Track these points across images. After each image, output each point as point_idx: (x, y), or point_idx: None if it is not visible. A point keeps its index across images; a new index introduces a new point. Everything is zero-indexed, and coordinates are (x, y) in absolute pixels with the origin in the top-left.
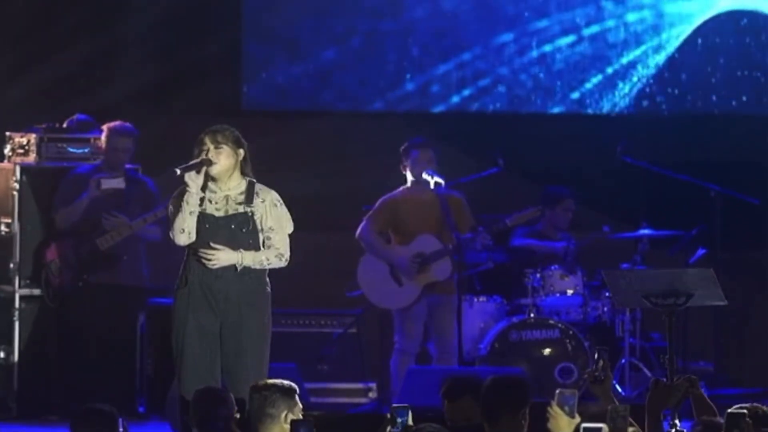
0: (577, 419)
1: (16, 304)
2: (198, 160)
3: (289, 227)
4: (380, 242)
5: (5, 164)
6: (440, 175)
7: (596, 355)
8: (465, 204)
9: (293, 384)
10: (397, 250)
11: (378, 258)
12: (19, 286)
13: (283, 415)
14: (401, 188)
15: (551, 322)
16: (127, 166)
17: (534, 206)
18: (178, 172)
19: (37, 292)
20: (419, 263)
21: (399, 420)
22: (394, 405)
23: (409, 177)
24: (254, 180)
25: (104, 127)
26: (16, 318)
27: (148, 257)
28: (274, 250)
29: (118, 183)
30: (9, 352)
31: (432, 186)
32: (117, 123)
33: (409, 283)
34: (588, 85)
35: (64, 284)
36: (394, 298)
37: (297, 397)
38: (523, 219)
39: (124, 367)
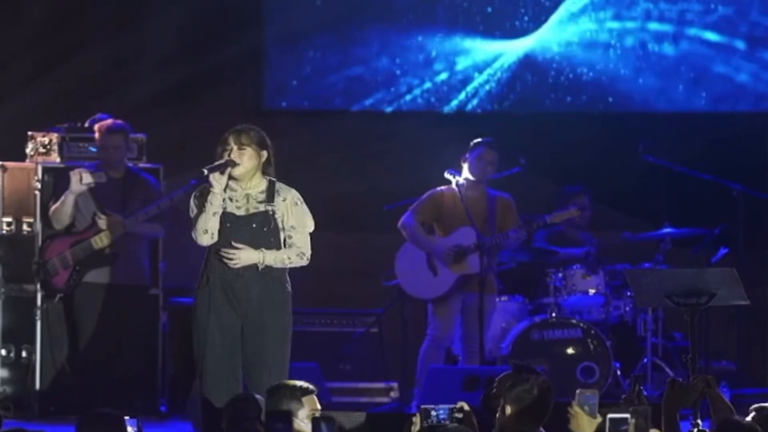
0: (599, 419)
1: (38, 304)
2: (222, 161)
3: (310, 226)
4: (421, 232)
5: (27, 164)
6: (460, 174)
7: (633, 381)
8: (513, 205)
9: (305, 385)
10: (436, 240)
11: (417, 247)
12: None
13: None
14: (450, 186)
15: (573, 321)
16: (129, 164)
17: (575, 205)
18: (206, 172)
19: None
20: (455, 253)
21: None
22: (423, 406)
23: (465, 172)
24: (274, 179)
25: (95, 126)
26: (37, 317)
27: (150, 255)
28: (296, 248)
29: (99, 177)
30: (31, 351)
31: (453, 185)
32: (108, 121)
33: (444, 271)
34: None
35: (60, 283)
36: (428, 287)
37: (306, 399)
38: (564, 217)
39: (143, 367)
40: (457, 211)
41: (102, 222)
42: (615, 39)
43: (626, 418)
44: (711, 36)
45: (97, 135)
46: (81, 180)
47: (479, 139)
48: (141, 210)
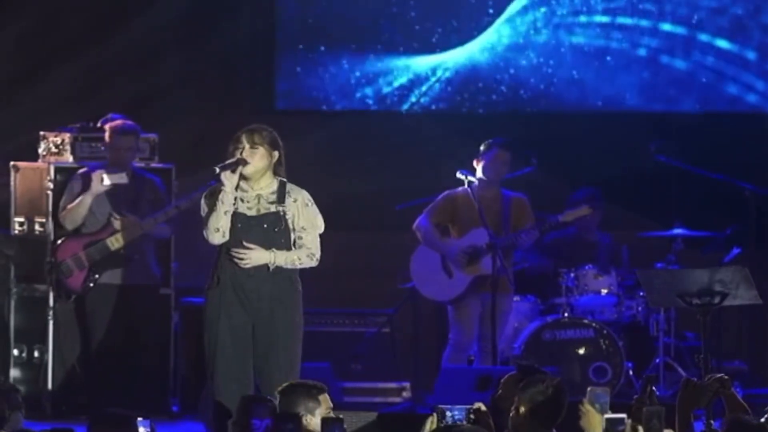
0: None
1: (50, 304)
2: (233, 159)
3: (321, 227)
4: (435, 234)
5: (39, 164)
6: (473, 174)
7: (645, 382)
8: (528, 205)
9: (319, 384)
10: (450, 242)
11: (431, 249)
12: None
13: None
14: (464, 187)
15: (585, 321)
16: (134, 164)
17: (586, 203)
18: (218, 170)
19: None
20: (469, 254)
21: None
22: (439, 406)
23: (479, 173)
24: (285, 180)
25: (106, 127)
26: (50, 317)
27: (156, 255)
28: (306, 249)
29: (120, 178)
30: (43, 352)
31: (465, 185)
32: (119, 122)
33: (459, 273)
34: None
35: (75, 284)
36: (444, 289)
37: (321, 398)
38: (576, 215)
39: (155, 367)
40: (471, 212)
41: (118, 223)
42: (626, 43)
43: (623, 419)
44: (723, 44)
45: (107, 135)
46: (102, 181)
47: (492, 140)
48: (159, 211)
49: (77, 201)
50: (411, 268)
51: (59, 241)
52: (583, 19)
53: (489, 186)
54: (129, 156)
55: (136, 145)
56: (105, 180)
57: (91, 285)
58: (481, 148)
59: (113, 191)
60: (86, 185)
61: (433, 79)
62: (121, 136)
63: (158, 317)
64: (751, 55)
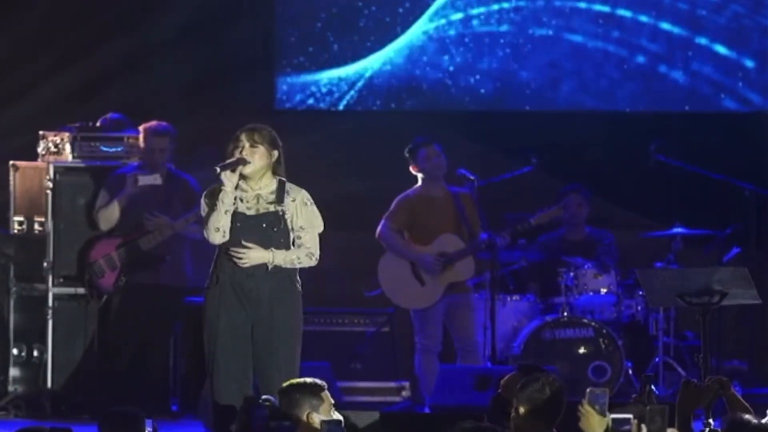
0: (609, 418)
1: (50, 303)
2: (234, 158)
3: (320, 226)
4: (402, 241)
5: (39, 163)
6: (472, 173)
7: (643, 381)
8: (474, 201)
9: (319, 381)
10: (420, 249)
11: (400, 257)
12: (53, 285)
13: (305, 414)
14: (415, 187)
15: (585, 320)
16: (168, 165)
17: (557, 204)
18: (218, 170)
19: (70, 291)
20: (444, 262)
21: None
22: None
23: (420, 176)
24: (284, 179)
25: (141, 128)
26: (49, 317)
27: (192, 256)
28: (305, 249)
29: (155, 179)
30: (42, 351)
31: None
32: (153, 123)
33: (432, 282)
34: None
35: (107, 285)
36: (416, 298)
37: (323, 395)
38: (548, 217)
39: (158, 367)
40: (430, 215)
41: (150, 223)
42: (626, 50)
43: (629, 419)
44: (722, 46)
45: (142, 136)
46: (136, 182)
47: (412, 144)
48: (190, 211)
49: (111, 202)
50: (379, 275)
51: (91, 242)
52: (583, 5)
53: (434, 184)
54: (163, 157)
55: (170, 146)
56: (139, 181)
57: (123, 285)
58: (407, 155)
59: (146, 192)
60: (120, 186)
61: (434, 79)
62: (155, 137)
63: (165, 317)
64: (750, 59)
